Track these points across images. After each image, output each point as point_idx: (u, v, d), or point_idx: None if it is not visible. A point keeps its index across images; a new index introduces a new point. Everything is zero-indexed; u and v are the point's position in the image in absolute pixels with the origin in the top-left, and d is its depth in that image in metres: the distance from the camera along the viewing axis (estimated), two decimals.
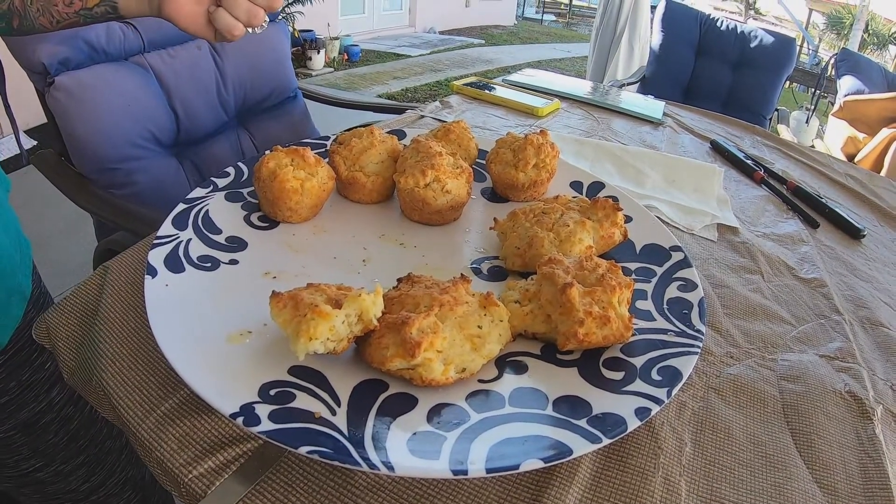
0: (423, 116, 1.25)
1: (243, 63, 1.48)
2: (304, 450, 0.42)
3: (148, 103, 1.27)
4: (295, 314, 0.47)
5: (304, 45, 6.01)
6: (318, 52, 6.05)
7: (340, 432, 0.44)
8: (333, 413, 0.46)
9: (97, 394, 0.54)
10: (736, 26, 2.90)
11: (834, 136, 2.72)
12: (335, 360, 0.52)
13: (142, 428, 0.48)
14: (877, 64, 3.00)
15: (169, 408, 0.50)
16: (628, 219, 0.76)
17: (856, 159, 2.44)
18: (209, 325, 0.53)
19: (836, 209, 1.07)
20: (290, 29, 5.90)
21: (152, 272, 0.57)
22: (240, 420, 0.43)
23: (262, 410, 0.45)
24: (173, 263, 0.60)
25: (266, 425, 0.43)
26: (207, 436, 0.48)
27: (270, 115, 1.60)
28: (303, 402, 0.47)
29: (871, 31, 8.01)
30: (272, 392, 0.47)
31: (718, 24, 2.92)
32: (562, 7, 12.18)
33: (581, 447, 0.44)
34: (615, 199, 0.80)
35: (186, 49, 1.38)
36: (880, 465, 0.54)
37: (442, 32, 8.94)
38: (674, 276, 0.66)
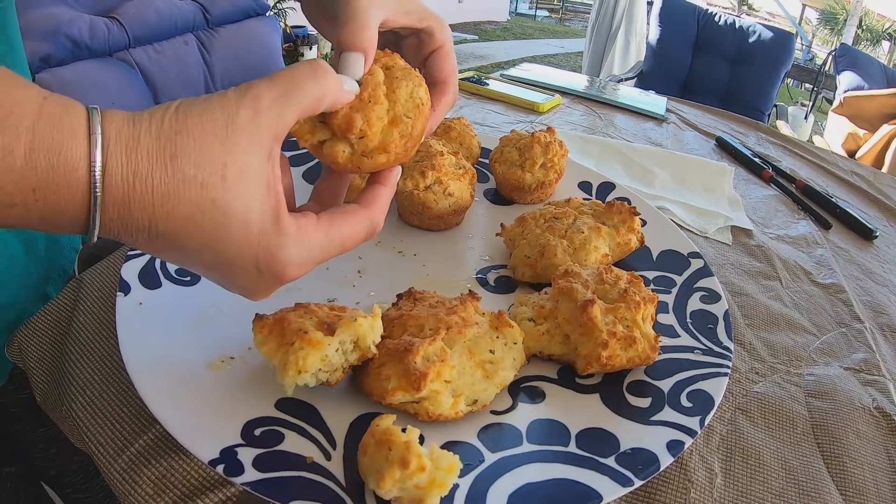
0: None
1: (231, 57, 1.43)
2: None
3: (133, 100, 1.22)
4: (282, 342, 0.41)
5: (296, 41, 5.93)
6: (311, 48, 5.97)
7: (336, 481, 0.39)
8: (328, 457, 0.41)
9: (67, 422, 0.49)
10: (734, 21, 2.86)
11: (834, 133, 2.68)
12: (329, 390, 0.45)
13: (114, 468, 0.43)
14: (876, 60, 2.97)
15: (143, 445, 0.45)
16: (642, 222, 0.71)
17: (856, 156, 2.41)
18: (187, 349, 0.47)
19: (847, 209, 1.03)
20: (282, 25, 5.82)
21: (125, 288, 0.51)
22: (220, 468, 0.38)
23: (246, 455, 0.39)
24: (148, 278, 0.53)
25: (251, 475, 0.38)
26: (186, 479, 0.43)
27: None
28: (292, 443, 0.41)
29: (864, 27, 7.99)
30: (257, 432, 0.41)
31: (716, 18, 2.88)
32: (555, 3, 12.10)
33: (611, 491, 0.39)
34: (628, 200, 0.76)
35: (173, 44, 1.33)
36: None
37: None
38: (695, 286, 0.62)
